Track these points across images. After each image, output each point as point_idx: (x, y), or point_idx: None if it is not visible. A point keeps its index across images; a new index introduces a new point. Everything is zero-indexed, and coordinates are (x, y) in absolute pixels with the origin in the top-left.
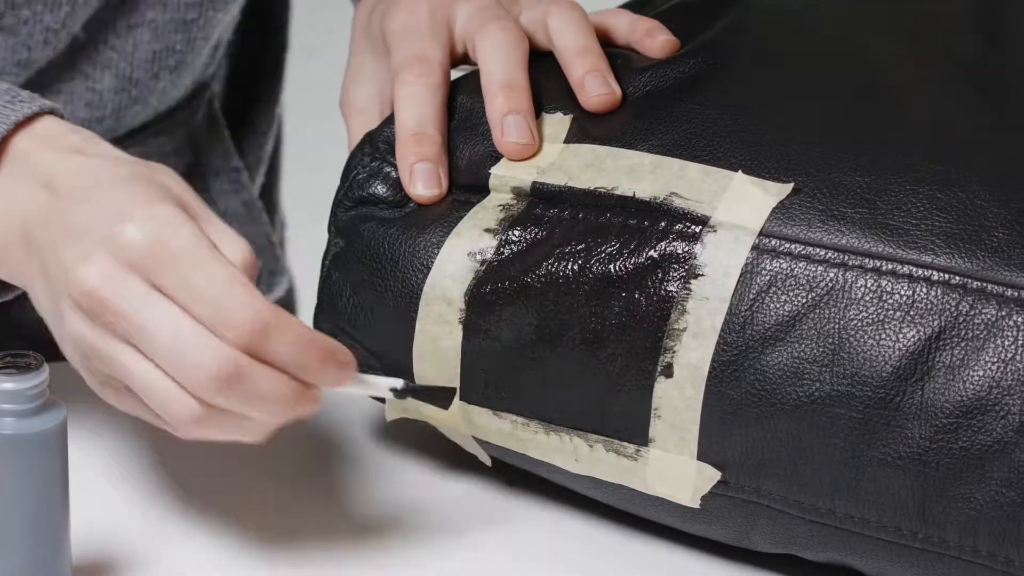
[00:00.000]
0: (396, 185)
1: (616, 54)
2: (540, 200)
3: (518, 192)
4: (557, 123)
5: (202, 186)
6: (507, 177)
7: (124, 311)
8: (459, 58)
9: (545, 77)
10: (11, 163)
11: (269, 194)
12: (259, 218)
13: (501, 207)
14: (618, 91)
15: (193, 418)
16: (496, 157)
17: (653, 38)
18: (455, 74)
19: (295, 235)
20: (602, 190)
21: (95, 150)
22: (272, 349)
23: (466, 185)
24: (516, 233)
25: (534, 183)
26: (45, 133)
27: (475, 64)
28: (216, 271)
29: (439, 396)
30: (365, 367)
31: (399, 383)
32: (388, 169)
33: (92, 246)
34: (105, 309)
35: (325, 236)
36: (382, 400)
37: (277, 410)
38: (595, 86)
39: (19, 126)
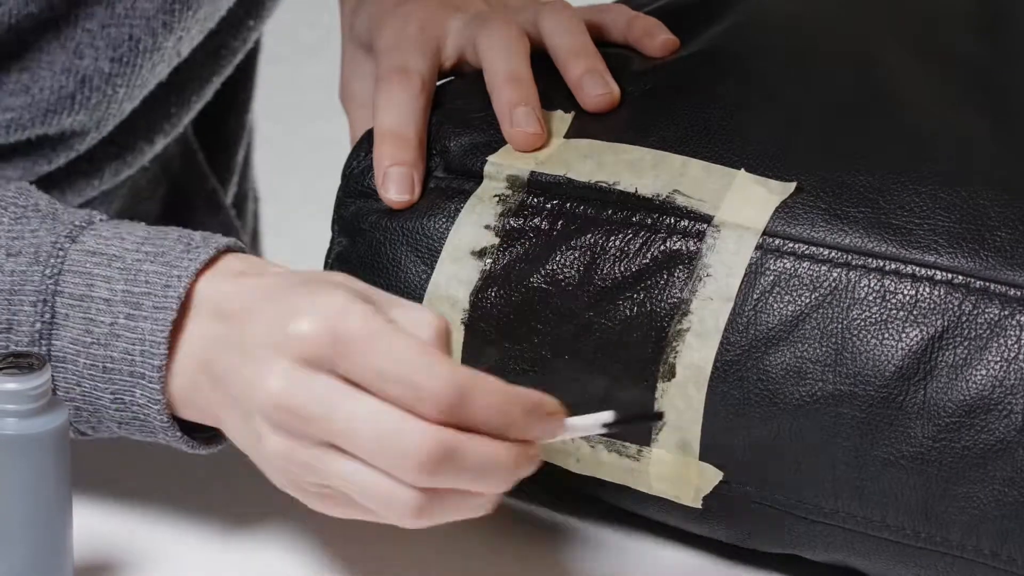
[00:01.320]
0: None
1: (612, 54)
2: (537, 191)
3: (514, 181)
4: (558, 120)
5: (185, 215)
6: (504, 165)
7: (317, 414)
8: (447, 71)
9: (543, 76)
10: (193, 307)
11: (242, 202)
12: (238, 237)
13: (498, 198)
14: (616, 90)
15: (414, 508)
16: (488, 149)
17: (653, 38)
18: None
19: (296, 234)
20: (603, 184)
21: (262, 270)
22: (474, 414)
23: (458, 170)
24: (516, 229)
25: (532, 172)
26: (217, 269)
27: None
28: (398, 346)
29: (648, 422)
30: None
31: (609, 416)
32: None
33: (270, 356)
34: (297, 416)
35: (326, 236)
36: None
37: (498, 477)
38: (594, 85)
39: (199, 273)
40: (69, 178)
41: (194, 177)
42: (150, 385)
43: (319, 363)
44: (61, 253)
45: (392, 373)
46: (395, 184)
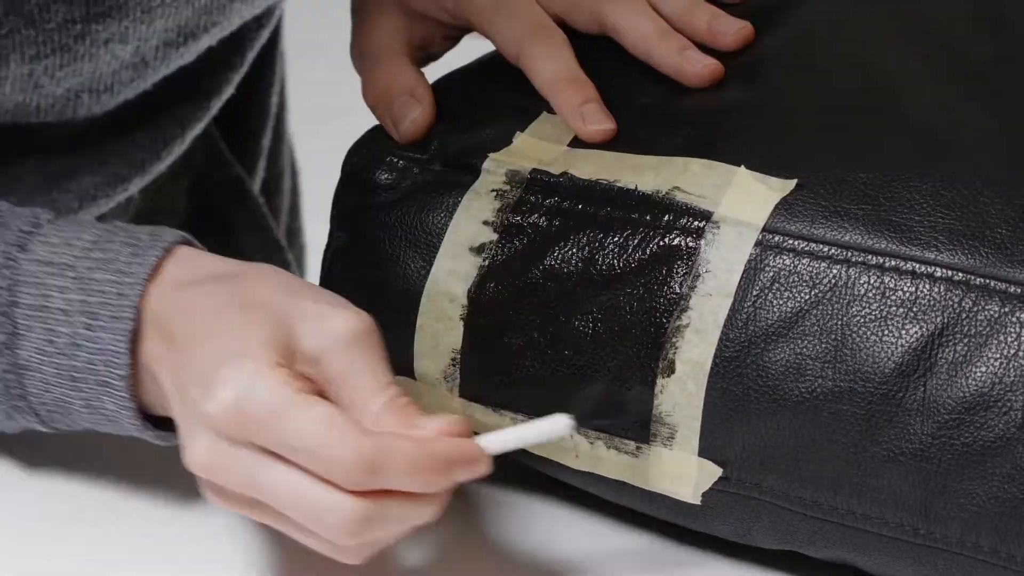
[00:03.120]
0: (396, 171)
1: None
2: (536, 187)
3: (512, 177)
4: (559, 124)
5: (211, 205)
6: (504, 162)
7: (240, 481)
8: None
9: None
10: (144, 319)
11: (276, 181)
12: (265, 224)
13: (495, 193)
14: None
15: (354, 555)
16: (488, 147)
17: (725, 34)
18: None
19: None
20: (603, 182)
21: (201, 278)
22: (389, 480)
23: (456, 164)
24: (515, 224)
25: (533, 169)
26: (163, 279)
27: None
28: (302, 424)
29: (622, 423)
30: None
31: (566, 421)
32: (389, 156)
33: (193, 424)
34: (223, 481)
35: (326, 232)
36: None
37: (421, 519)
38: (593, 117)
39: (148, 280)
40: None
41: (217, 166)
42: (118, 393)
43: (237, 438)
44: (13, 263)
45: (301, 449)
46: (593, 116)
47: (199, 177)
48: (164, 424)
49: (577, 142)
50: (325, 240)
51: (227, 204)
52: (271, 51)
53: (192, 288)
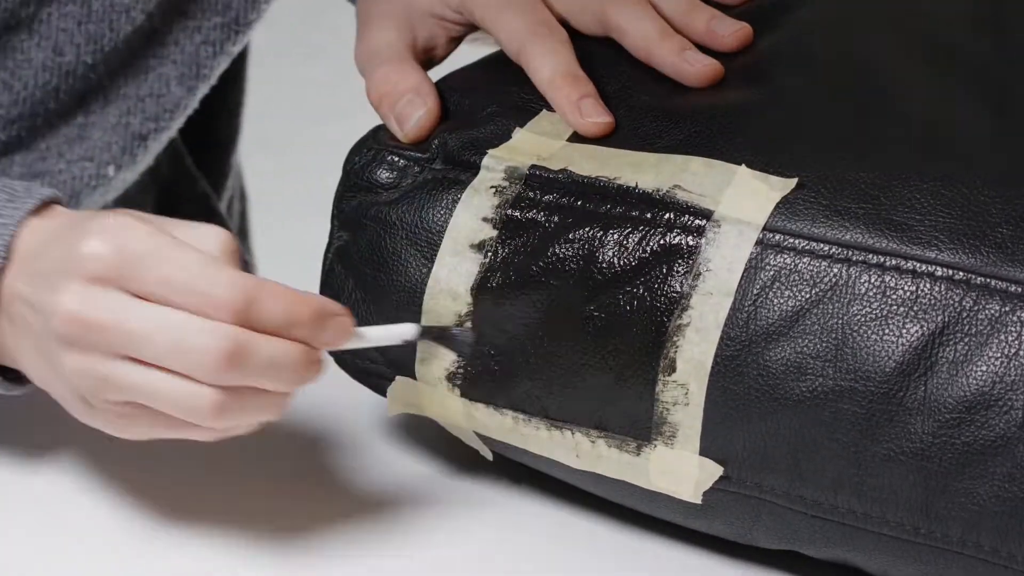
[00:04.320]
0: (397, 170)
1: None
2: (536, 184)
3: (512, 173)
4: (558, 122)
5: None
6: (503, 159)
7: (109, 322)
8: None
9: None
10: (12, 258)
11: (230, 203)
12: None
13: (494, 189)
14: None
15: (213, 407)
16: (488, 144)
17: (723, 35)
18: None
19: (296, 233)
20: (603, 179)
21: (66, 220)
22: (262, 316)
23: (456, 162)
24: (514, 221)
25: (532, 166)
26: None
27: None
28: (184, 258)
29: (457, 341)
30: (366, 362)
31: (412, 329)
32: (389, 156)
33: (62, 279)
34: (90, 329)
35: (319, 235)
36: (383, 393)
37: (287, 376)
38: (591, 111)
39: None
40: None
41: (183, 181)
42: None
43: (110, 280)
44: None
45: (179, 283)
46: (591, 110)
47: (165, 190)
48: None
49: (576, 138)
50: (325, 240)
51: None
52: (239, 73)
53: (56, 228)
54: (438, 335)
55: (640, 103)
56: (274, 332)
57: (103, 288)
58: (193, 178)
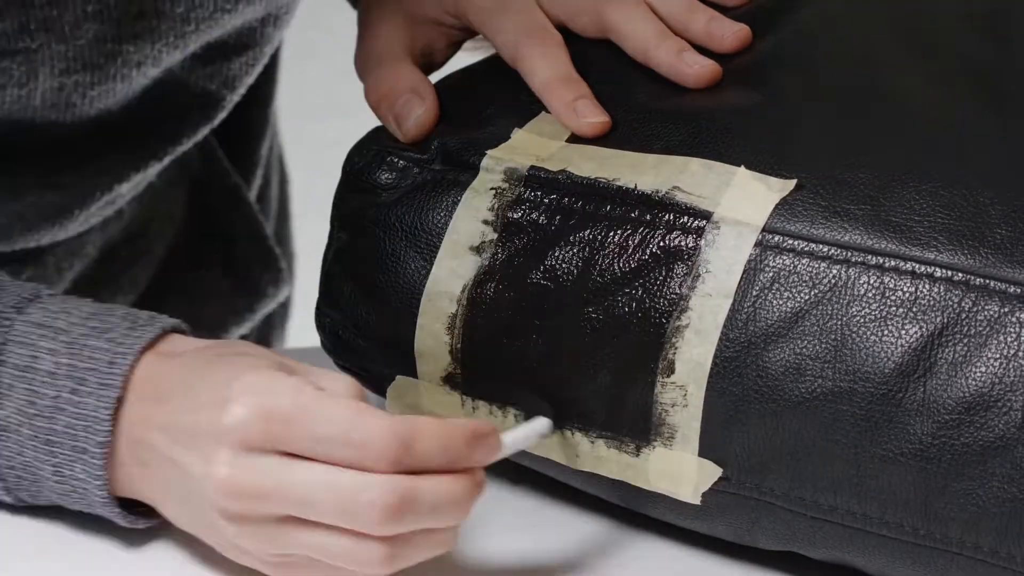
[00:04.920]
0: (397, 171)
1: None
2: (535, 185)
3: (511, 175)
4: (557, 123)
5: (206, 213)
6: (502, 160)
7: (269, 489)
8: None
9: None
10: (131, 387)
11: (264, 189)
12: (261, 232)
13: (494, 191)
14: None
15: (383, 559)
16: (487, 145)
17: (722, 36)
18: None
19: (296, 234)
20: (602, 180)
21: (180, 349)
22: (420, 457)
23: (455, 163)
24: (514, 223)
25: (531, 167)
26: (159, 350)
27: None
28: (333, 411)
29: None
30: (366, 362)
31: (547, 424)
32: (389, 157)
33: (211, 445)
34: (251, 497)
35: (325, 234)
36: (383, 393)
37: (455, 509)
38: (586, 111)
39: (142, 352)
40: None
41: (215, 174)
42: (92, 461)
43: (261, 445)
44: (7, 323)
45: (333, 438)
46: (586, 111)
47: (196, 185)
48: (131, 508)
49: (575, 139)
50: (325, 241)
51: (223, 212)
52: (274, 62)
53: (182, 356)
54: (571, 421)
55: (638, 104)
56: (434, 470)
57: (257, 454)
58: (225, 171)
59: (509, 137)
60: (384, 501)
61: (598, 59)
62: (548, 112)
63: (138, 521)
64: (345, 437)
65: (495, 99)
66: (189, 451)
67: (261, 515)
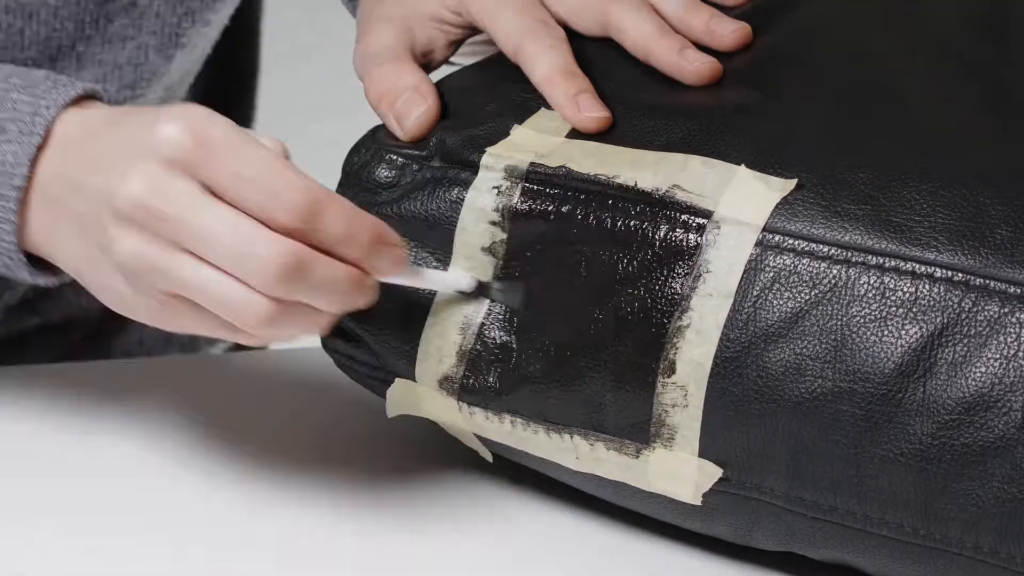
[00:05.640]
0: (396, 168)
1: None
2: (536, 183)
3: (511, 172)
4: (557, 119)
5: None
6: (502, 157)
7: (178, 215)
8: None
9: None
10: (51, 141)
11: None
12: None
13: (496, 190)
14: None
15: (263, 316)
16: (487, 143)
17: (722, 34)
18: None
19: None
20: (602, 177)
21: (101, 109)
22: (324, 227)
23: (455, 160)
24: (515, 221)
25: (531, 164)
26: (83, 108)
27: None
28: (260, 155)
29: (508, 294)
30: (370, 367)
31: (467, 280)
32: (388, 154)
33: (131, 160)
34: (157, 217)
35: None
36: (382, 395)
37: (339, 298)
38: (588, 106)
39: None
40: None
41: None
42: (5, 205)
43: (182, 165)
44: None
45: (253, 179)
46: (588, 105)
47: None
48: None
49: (575, 135)
50: None
51: None
52: (251, 38)
53: (104, 111)
54: (484, 289)
55: (639, 101)
56: (333, 244)
57: (175, 174)
58: None
59: (508, 133)
60: (280, 260)
61: (599, 58)
62: (548, 108)
63: (39, 276)
64: (264, 181)
65: (495, 96)
66: (104, 170)
67: (160, 238)
